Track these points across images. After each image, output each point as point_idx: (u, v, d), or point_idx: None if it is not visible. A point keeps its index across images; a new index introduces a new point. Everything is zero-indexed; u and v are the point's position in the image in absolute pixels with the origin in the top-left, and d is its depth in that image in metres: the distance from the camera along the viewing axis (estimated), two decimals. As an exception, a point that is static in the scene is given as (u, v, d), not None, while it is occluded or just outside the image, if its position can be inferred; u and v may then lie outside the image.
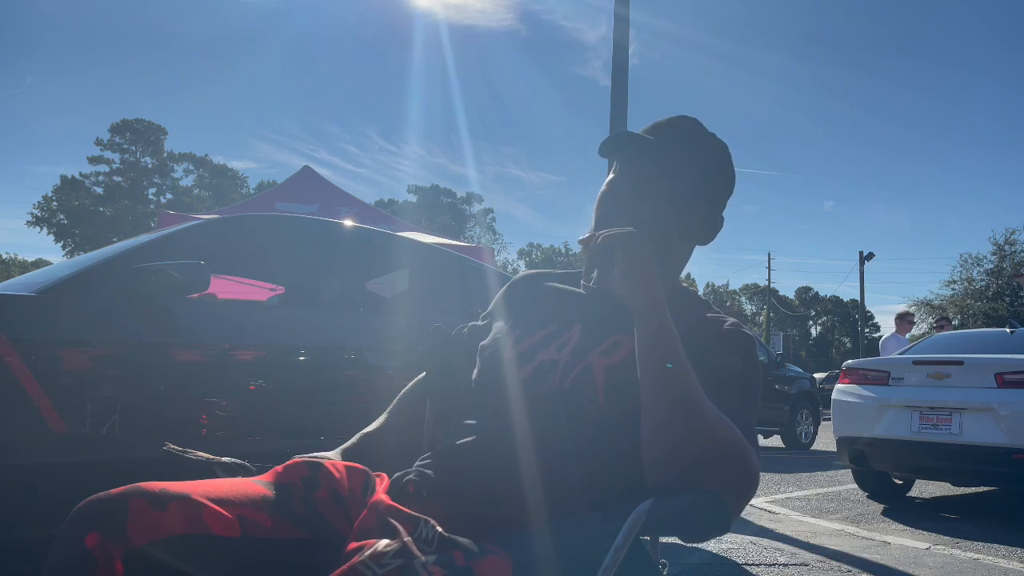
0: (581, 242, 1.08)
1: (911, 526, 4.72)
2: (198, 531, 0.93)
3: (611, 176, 1.24)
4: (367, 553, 0.86)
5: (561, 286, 1.28)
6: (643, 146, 1.20)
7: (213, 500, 0.97)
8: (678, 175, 1.20)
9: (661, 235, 1.16)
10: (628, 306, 1.00)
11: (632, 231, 1.02)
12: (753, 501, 5.40)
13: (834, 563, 3.61)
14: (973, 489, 6.58)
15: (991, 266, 35.96)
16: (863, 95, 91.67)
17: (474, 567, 0.87)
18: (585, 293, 1.23)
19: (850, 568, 3.52)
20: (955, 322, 33.64)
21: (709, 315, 1.17)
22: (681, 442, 0.94)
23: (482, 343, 1.24)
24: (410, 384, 1.41)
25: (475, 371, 1.21)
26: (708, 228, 1.25)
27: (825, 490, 6.41)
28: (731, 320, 1.16)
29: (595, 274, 1.07)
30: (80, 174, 46.62)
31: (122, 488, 0.94)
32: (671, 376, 0.95)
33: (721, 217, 1.26)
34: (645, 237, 1.03)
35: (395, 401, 1.40)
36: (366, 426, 1.36)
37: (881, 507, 5.53)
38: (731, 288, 69.73)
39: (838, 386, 5.90)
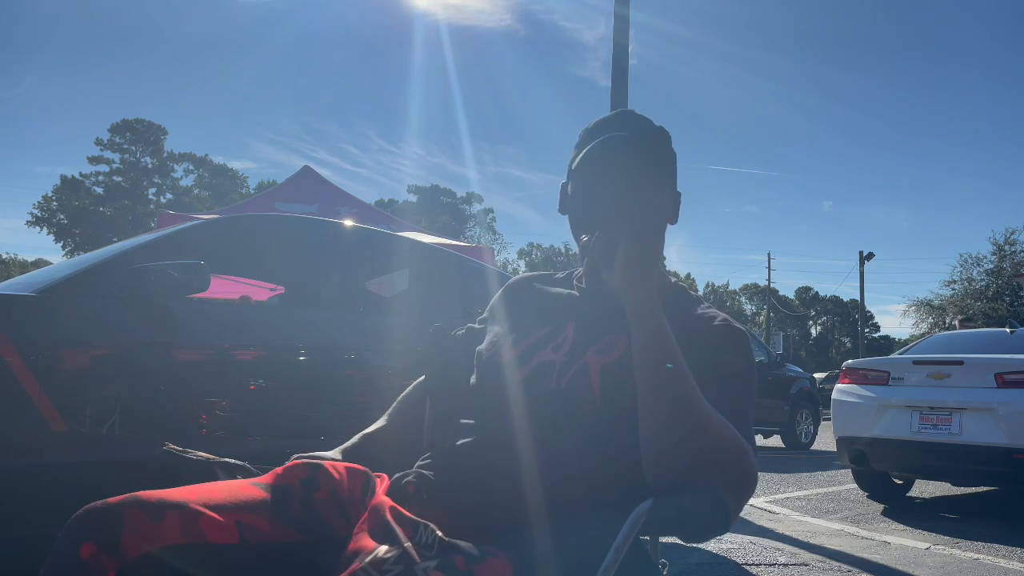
0: (583, 241, 1.08)
1: (911, 526, 4.72)
2: (195, 540, 0.93)
3: (596, 177, 1.19)
4: (367, 559, 0.86)
5: (556, 288, 1.28)
6: (631, 150, 1.18)
7: (210, 507, 0.97)
8: (656, 170, 1.20)
9: (651, 232, 1.15)
10: (624, 305, 1.00)
11: (632, 229, 1.02)
12: (753, 501, 5.40)
13: (834, 563, 3.61)
14: (973, 489, 6.58)
15: (991, 266, 35.93)
16: (863, 95, 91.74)
17: (475, 571, 0.87)
18: (579, 294, 1.23)
19: (850, 568, 3.52)
20: (955, 322, 33.63)
21: (700, 311, 1.16)
22: (679, 443, 0.93)
23: (479, 347, 1.24)
24: (411, 386, 1.41)
25: (473, 374, 1.21)
26: (676, 208, 1.25)
27: (825, 490, 6.40)
28: (722, 316, 1.15)
29: (585, 273, 1.08)
30: (80, 174, 46.62)
31: (120, 498, 0.94)
32: (669, 377, 0.95)
33: (679, 192, 1.26)
34: (645, 235, 1.03)
35: (396, 402, 1.40)
36: (366, 426, 1.36)
37: (881, 507, 5.53)
38: (731, 288, 69.75)
39: (838, 386, 5.90)
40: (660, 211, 1.20)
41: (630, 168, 1.17)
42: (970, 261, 36.55)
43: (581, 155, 1.19)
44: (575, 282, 1.28)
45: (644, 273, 1.00)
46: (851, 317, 64.54)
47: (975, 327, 9.55)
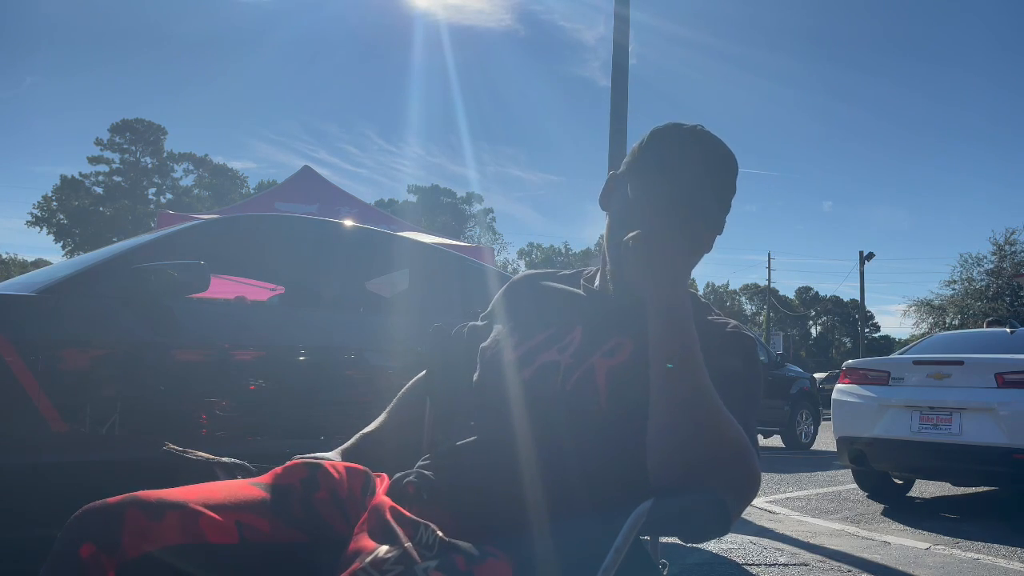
0: (628, 239, 1.05)
1: (911, 526, 4.72)
2: (194, 540, 0.93)
3: (666, 179, 1.14)
4: (368, 559, 0.86)
5: (561, 287, 1.28)
6: (707, 168, 1.16)
7: (210, 507, 0.97)
8: (720, 199, 1.18)
9: (692, 248, 1.15)
10: (647, 298, 1.01)
11: (671, 232, 1.03)
12: (753, 501, 5.39)
13: (834, 563, 3.61)
14: (973, 489, 6.58)
15: (991, 266, 35.94)
16: (863, 95, 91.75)
17: (475, 571, 0.87)
18: (585, 294, 1.23)
19: (850, 568, 3.52)
20: (955, 322, 33.61)
21: (711, 318, 1.17)
22: (690, 437, 0.94)
23: (482, 345, 1.23)
24: (409, 383, 1.41)
25: (476, 373, 1.21)
26: (713, 239, 1.23)
27: (825, 490, 6.41)
28: (733, 323, 1.16)
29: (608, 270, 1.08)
30: (80, 174, 46.63)
31: (119, 497, 0.94)
32: (686, 370, 0.96)
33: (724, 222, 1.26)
34: (683, 239, 1.04)
35: (394, 400, 1.40)
36: (366, 426, 1.36)
37: (881, 507, 5.53)
38: (731, 288, 69.72)
39: (838, 386, 5.90)
40: (704, 231, 1.18)
41: (703, 184, 1.15)
42: (970, 261, 36.59)
43: (653, 159, 1.16)
44: (583, 282, 1.27)
45: (668, 274, 1.01)
46: (851, 317, 64.53)
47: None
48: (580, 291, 1.24)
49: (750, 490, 0.97)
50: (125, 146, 47.34)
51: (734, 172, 1.21)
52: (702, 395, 0.95)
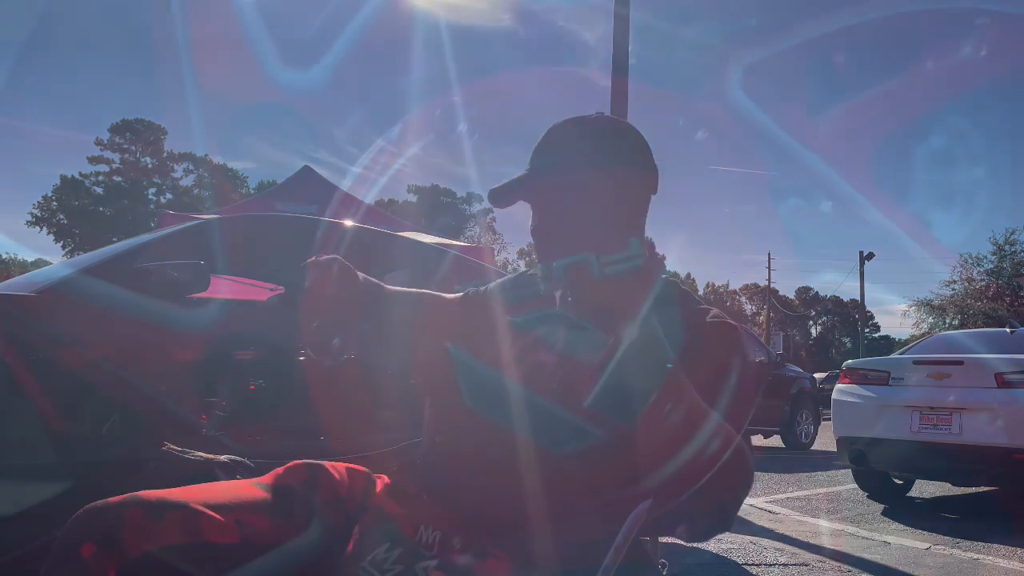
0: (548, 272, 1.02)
1: (911, 526, 4.72)
2: (195, 540, 0.93)
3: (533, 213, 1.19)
4: (368, 558, 0.86)
5: (547, 287, 1.27)
6: (549, 170, 1.18)
7: (211, 506, 0.97)
8: (591, 172, 1.15)
9: (604, 232, 1.11)
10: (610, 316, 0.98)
11: (570, 266, 0.96)
12: (753, 501, 5.40)
13: (834, 563, 3.61)
14: (973, 489, 6.58)
15: (991, 266, 35.91)
16: (862, 94, 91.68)
17: (475, 570, 0.87)
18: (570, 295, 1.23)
19: (850, 568, 3.52)
20: (955, 322, 33.60)
21: (693, 307, 1.16)
22: (674, 444, 0.93)
23: (477, 347, 1.24)
24: (446, 295, 1.41)
25: (473, 376, 1.21)
26: (646, 187, 1.19)
27: (825, 490, 6.40)
28: (715, 311, 1.13)
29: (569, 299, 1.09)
30: (80, 174, 46.58)
31: (120, 497, 0.94)
32: (665, 380, 0.94)
33: (653, 166, 1.19)
34: (587, 266, 0.95)
35: (424, 291, 1.40)
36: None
37: (881, 507, 5.53)
38: (731, 288, 69.74)
39: (838, 386, 5.90)
40: (608, 213, 1.14)
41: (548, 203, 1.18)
42: (970, 261, 36.55)
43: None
44: None
45: (607, 303, 0.95)
46: (851, 317, 64.49)
47: None
48: (567, 291, 1.24)
49: (744, 486, 0.97)
50: (125, 146, 47.33)
51: (608, 129, 1.19)
52: (681, 397, 0.93)
